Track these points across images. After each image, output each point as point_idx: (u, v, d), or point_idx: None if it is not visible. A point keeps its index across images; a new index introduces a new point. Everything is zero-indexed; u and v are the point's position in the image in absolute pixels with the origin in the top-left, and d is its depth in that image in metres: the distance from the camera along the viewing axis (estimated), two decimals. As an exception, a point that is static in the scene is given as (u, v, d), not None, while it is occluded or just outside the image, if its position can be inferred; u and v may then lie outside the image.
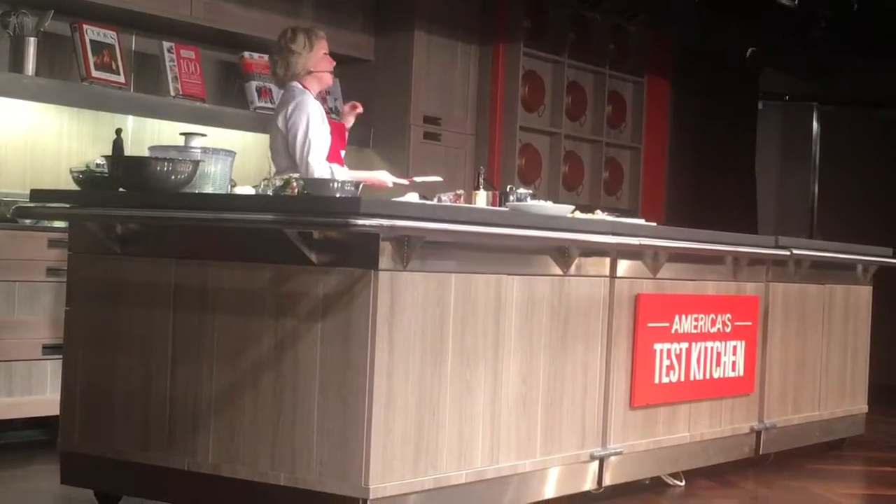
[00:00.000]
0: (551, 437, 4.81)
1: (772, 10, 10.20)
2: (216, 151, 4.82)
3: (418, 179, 6.16)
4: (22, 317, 5.92)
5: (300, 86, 5.91)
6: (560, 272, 4.83)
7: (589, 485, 5.07)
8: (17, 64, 6.42)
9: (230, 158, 4.86)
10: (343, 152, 6.10)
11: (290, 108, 5.84)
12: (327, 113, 6.08)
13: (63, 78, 6.72)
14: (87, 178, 4.79)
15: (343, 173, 5.79)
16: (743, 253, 5.90)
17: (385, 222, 3.96)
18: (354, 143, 7.47)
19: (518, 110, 8.95)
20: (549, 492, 4.86)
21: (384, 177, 6.07)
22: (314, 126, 5.77)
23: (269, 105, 7.64)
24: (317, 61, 5.95)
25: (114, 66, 6.78)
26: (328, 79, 6.04)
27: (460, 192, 6.01)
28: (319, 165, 5.72)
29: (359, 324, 4.05)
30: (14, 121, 6.57)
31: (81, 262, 4.65)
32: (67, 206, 4.62)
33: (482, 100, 8.88)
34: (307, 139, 5.75)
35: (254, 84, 7.63)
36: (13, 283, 5.89)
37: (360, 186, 4.66)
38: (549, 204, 5.35)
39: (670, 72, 10.53)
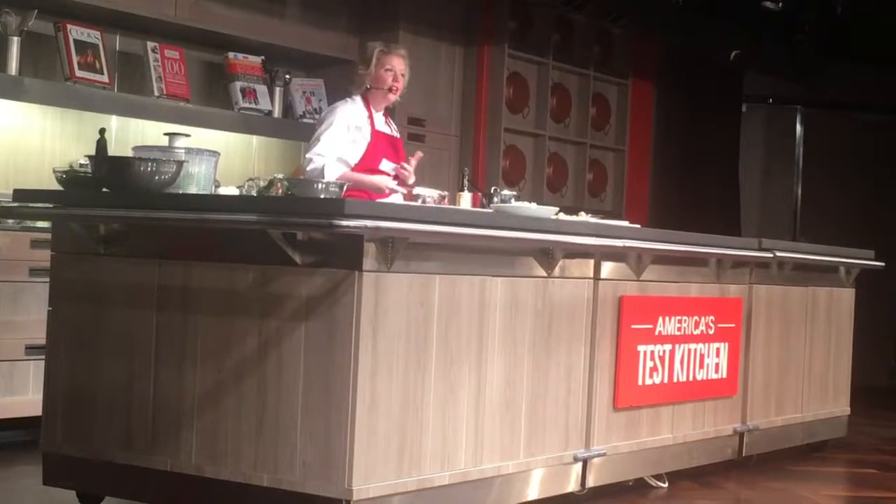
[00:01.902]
0: (535, 438, 4.82)
1: (756, 13, 10.24)
2: (200, 152, 4.81)
3: (418, 191, 6.07)
4: (5, 317, 5.90)
5: (354, 97, 6.06)
6: (544, 274, 4.84)
7: (572, 486, 5.08)
8: (0, 63, 6.40)
9: (214, 159, 4.85)
10: (392, 164, 6.13)
11: (323, 114, 6.09)
12: (388, 122, 6.20)
13: (47, 77, 6.71)
14: (70, 178, 4.78)
15: (335, 172, 5.83)
16: (726, 255, 5.91)
17: (369, 223, 3.95)
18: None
19: (502, 112, 8.96)
20: (533, 493, 4.86)
21: (384, 182, 5.99)
22: (331, 127, 5.91)
23: (253, 105, 7.64)
24: (374, 78, 6.04)
25: (98, 66, 6.77)
26: (386, 96, 6.07)
27: (444, 193, 6.01)
28: (315, 158, 5.84)
29: (343, 325, 4.05)
30: (-3, 120, 6.56)
31: (65, 262, 4.63)
32: (51, 206, 4.60)
33: (467, 101, 8.88)
34: (316, 137, 5.92)
35: (238, 84, 7.62)
36: (-4, 284, 5.89)
37: (345, 187, 4.65)
38: (533, 206, 5.36)
39: (654, 74, 10.55)
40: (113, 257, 4.50)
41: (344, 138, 5.93)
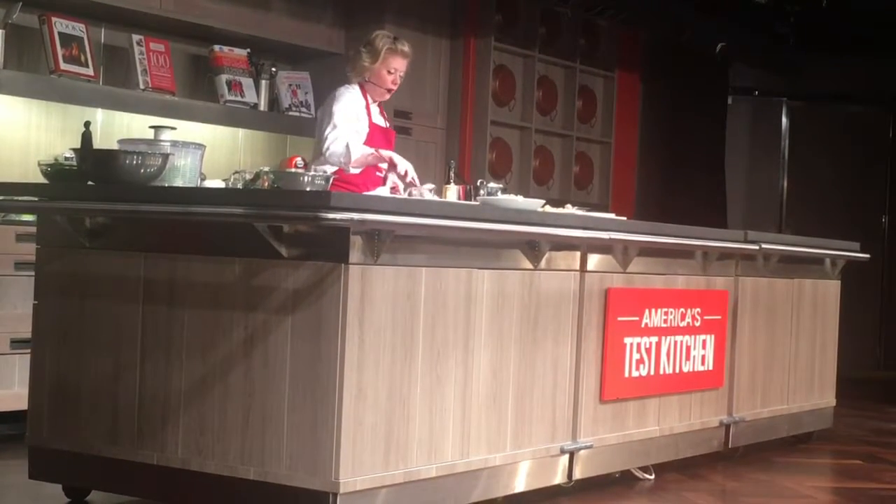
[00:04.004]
0: (521, 430, 4.82)
1: (741, 5, 10.26)
2: (186, 145, 4.80)
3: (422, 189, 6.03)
4: (-10, 311, 5.89)
5: (352, 84, 6.07)
6: (530, 266, 4.84)
7: (559, 478, 5.09)
8: (-16, 56, 6.39)
9: (200, 152, 4.84)
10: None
11: (328, 100, 6.06)
12: (381, 114, 6.23)
13: (31, 70, 6.68)
14: (55, 171, 4.77)
15: (358, 145, 5.87)
16: (712, 247, 5.92)
17: (355, 216, 3.95)
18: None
19: (489, 104, 8.96)
20: (520, 485, 4.87)
21: (397, 159, 5.92)
22: (346, 109, 5.93)
23: (239, 98, 7.62)
24: (377, 75, 6.06)
25: (83, 59, 6.75)
26: (383, 94, 6.12)
27: (431, 185, 6.00)
28: (335, 142, 5.84)
29: (329, 318, 4.05)
30: (-18, 114, 6.53)
31: (50, 255, 4.62)
32: (36, 199, 4.59)
33: (453, 94, 8.88)
34: (332, 123, 5.89)
35: (224, 77, 7.60)
36: (-19, 277, 5.87)
37: (331, 180, 4.64)
38: (520, 198, 5.35)
39: (640, 67, 10.56)
40: (98, 250, 4.49)
41: (353, 123, 5.97)
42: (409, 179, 5.87)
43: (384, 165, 6.09)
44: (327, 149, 5.85)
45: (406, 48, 6.10)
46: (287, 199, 4.18)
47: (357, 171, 5.94)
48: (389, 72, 6.04)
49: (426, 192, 5.80)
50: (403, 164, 5.88)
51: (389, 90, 6.10)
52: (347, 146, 5.82)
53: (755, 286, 6.40)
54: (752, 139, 11.96)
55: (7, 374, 5.92)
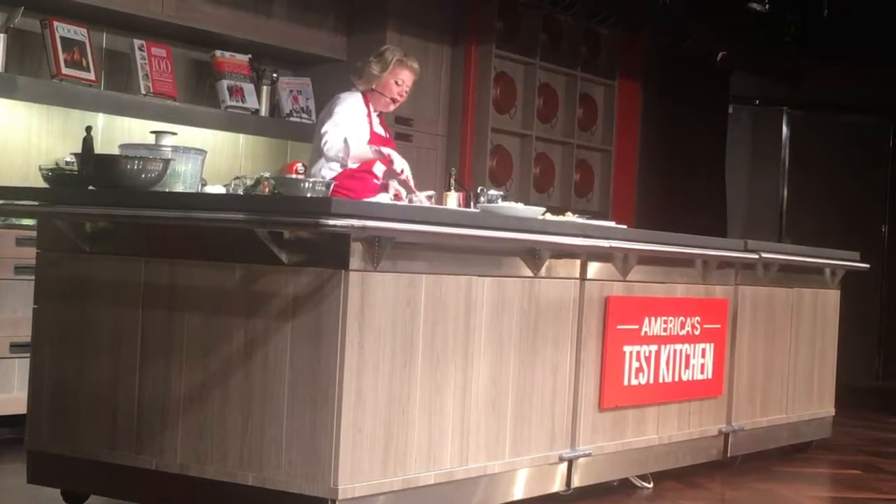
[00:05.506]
0: (520, 438, 4.82)
1: (743, 14, 10.27)
2: (187, 150, 4.81)
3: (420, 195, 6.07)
4: (-11, 314, 5.89)
5: (355, 91, 6.11)
6: (530, 274, 4.84)
7: (558, 486, 5.08)
8: (-14, 60, 6.39)
9: (201, 157, 4.85)
10: (383, 167, 6.20)
11: (330, 102, 6.09)
12: (382, 123, 6.26)
13: (33, 75, 6.69)
14: (56, 175, 4.77)
15: (361, 145, 5.92)
16: (712, 256, 5.93)
17: (356, 223, 3.95)
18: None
19: (490, 112, 8.97)
20: (518, 493, 4.87)
21: (395, 157, 5.95)
22: (345, 111, 5.97)
23: (240, 104, 7.63)
24: (384, 84, 6.10)
25: (84, 64, 6.76)
26: (387, 104, 6.16)
27: (431, 192, 6.01)
28: (333, 136, 5.87)
29: (329, 324, 4.05)
30: (-17, 117, 6.54)
31: (50, 259, 4.62)
32: (36, 203, 4.60)
33: (454, 101, 8.88)
34: (333, 121, 5.94)
35: (225, 83, 7.61)
36: (-19, 281, 5.87)
37: (332, 186, 4.65)
38: (520, 206, 5.36)
39: (641, 74, 10.56)
40: (99, 255, 4.49)
41: (355, 121, 6.01)
42: (403, 177, 5.89)
43: (380, 174, 6.10)
44: (325, 143, 5.88)
45: (415, 65, 6.17)
46: (288, 205, 4.18)
47: (355, 165, 5.96)
48: (397, 83, 6.09)
49: (423, 198, 5.81)
50: (400, 163, 5.90)
51: (394, 100, 6.13)
52: (346, 140, 5.86)
53: (755, 295, 6.41)
54: (752, 147, 11.97)
55: (6, 378, 5.92)
